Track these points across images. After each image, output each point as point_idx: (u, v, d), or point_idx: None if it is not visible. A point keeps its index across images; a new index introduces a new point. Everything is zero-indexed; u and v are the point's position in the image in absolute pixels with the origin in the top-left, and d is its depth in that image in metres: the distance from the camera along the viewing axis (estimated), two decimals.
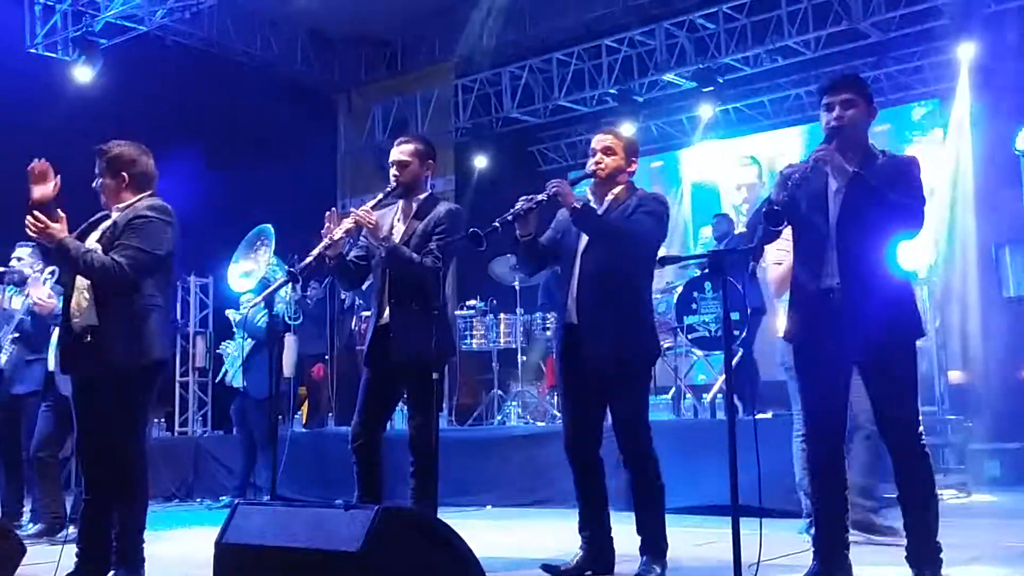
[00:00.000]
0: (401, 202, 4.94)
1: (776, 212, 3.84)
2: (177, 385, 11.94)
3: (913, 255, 4.52)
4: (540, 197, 4.42)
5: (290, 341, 9.28)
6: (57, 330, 6.03)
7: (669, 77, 12.57)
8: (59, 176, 4.35)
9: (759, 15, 11.54)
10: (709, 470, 6.33)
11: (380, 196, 4.86)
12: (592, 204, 4.61)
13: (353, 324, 10.01)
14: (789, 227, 4.05)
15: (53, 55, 11.73)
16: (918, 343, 4.07)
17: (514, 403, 9.41)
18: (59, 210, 4.29)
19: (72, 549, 4.48)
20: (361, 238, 4.91)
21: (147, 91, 11.03)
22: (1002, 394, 9.70)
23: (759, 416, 7.39)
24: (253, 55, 13.32)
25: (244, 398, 8.77)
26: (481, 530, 6.28)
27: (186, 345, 11.93)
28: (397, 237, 4.80)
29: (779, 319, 4.57)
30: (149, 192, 4.54)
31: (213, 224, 9.45)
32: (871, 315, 3.83)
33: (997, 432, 9.20)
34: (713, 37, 11.96)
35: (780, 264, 5.23)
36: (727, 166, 13.65)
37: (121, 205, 4.47)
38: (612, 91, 12.78)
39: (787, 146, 12.88)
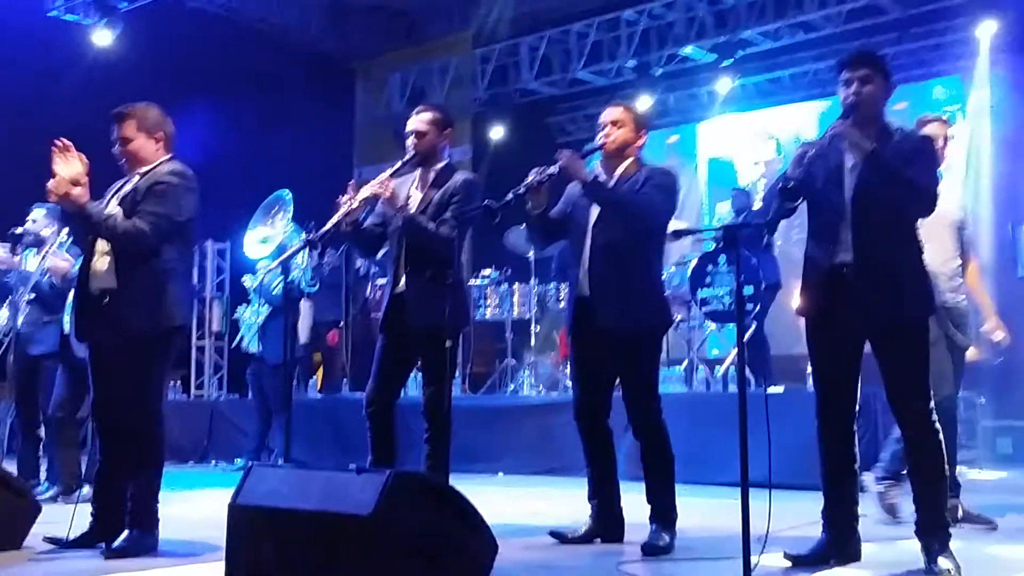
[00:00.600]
0: (419, 171, 4.94)
1: (792, 188, 3.85)
2: (193, 349, 12.02)
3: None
4: (551, 169, 4.44)
5: (305, 307, 9.34)
6: (73, 292, 6.08)
7: (688, 50, 12.50)
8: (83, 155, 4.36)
9: None
10: (720, 443, 6.36)
11: (398, 165, 4.87)
12: (601, 178, 4.62)
13: (368, 292, 10.06)
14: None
15: (73, 18, 11.75)
16: (931, 320, 4.08)
17: (527, 373, 9.44)
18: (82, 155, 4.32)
19: (87, 509, 4.55)
20: (378, 206, 4.93)
21: (166, 56, 11.06)
22: (1014, 372, 9.67)
23: (771, 390, 7.43)
24: (271, 22, 13.30)
25: (260, 363, 8.84)
26: (492, 497, 6.31)
27: (203, 310, 12.00)
28: (414, 206, 4.81)
29: (795, 295, 4.58)
30: (170, 156, 4.57)
31: (230, 190, 9.47)
32: (883, 291, 3.85)
33: (1008, 410, 9.20)
34: (733, 10, 11.88)
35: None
36: (745, 141, 13.58)
37: (143, 169, 4.49)
38: (630, 64, 12.72)
39: (805, 121, 12.81)
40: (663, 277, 4.76)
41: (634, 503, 4.60)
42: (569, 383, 8.76)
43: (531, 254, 9.50)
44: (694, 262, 8.44)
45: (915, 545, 3.88)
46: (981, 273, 5.89)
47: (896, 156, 3.88)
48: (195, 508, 6.03)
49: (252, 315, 9.05)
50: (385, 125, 14.52)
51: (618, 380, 4.61)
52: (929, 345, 3.99)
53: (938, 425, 3.92)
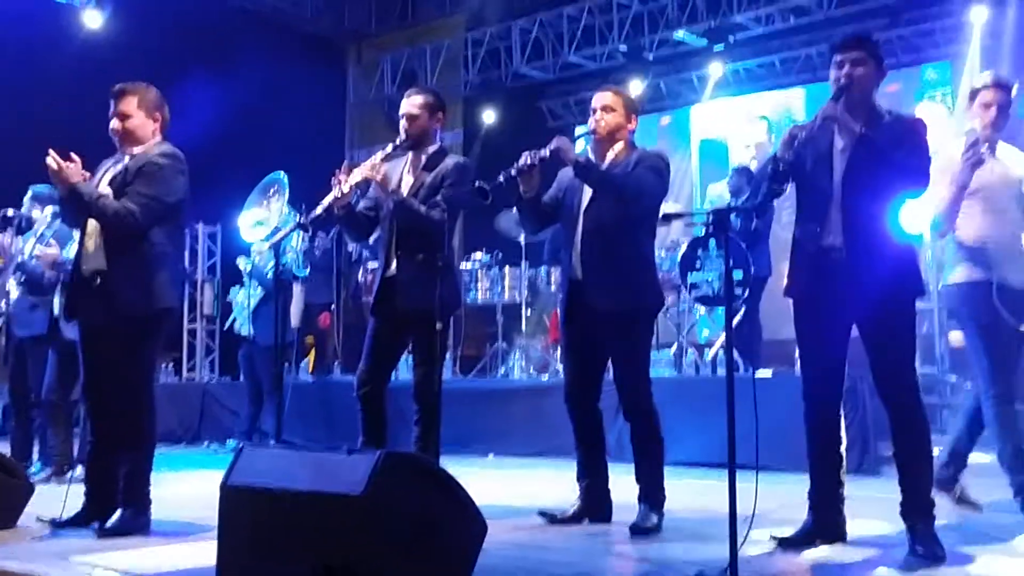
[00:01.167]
0: (410, 154, 4.96)
1: (779, 170, 3.88)
2: (185, 332, 12.03)
3: (919, 216, 4.47)
4: (543, 153, 4.45)
5: (297, 290, 9.35)
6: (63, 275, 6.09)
7: (680, 34, 12.51)
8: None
9: None
10: (709, 426, 6.38)
11: (389, 148, 4.89)
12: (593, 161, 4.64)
13: (360, 275, 10.07)
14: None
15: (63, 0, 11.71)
16: (919, 304, 4.12)
17: (517, 356, 9.47)
18: (72, 153, 4.33)
19: (79, 489, 4.58)
20: (370, 190, 4.94)
21: (156, 37, 11.03)
22: None
23: (759, 374, 7.47)
24: (264, 3, 13.27)
25: (252, 345, 8.86)
26: (482, 478, 6.36)
27: (194, 292, 12.00)
28: (405, 189, 4.83)
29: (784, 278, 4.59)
30: (161, 138, 4.58)
31: (221, 172, 9.47)
32: (872, 274, 3.88)
33: None
34: None
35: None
36: (737, 124, 13.59)
37: (135, 150, 4.50)
38: (622, 48, 12.72)
39: (796, 106, 12.85)
40: (655, 259, 4.78)
41: (623, 484, 4.64)
42: (559, 366, 8.81)
43: (522, 238, 9.52)
44: (684, 246, 8.46)
45: (900, 526, 3.92)
46: None
47: (886, 139, 3.91)
48: (187, 488, 6.06)
49: (245, 298, 9.06)
50: (377, 107, 14.54)
51: (609, 362, 4.64)
52: (915, 326, 4.04)
53: (924, 407, 3.96)
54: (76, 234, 4.70)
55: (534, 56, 13.45)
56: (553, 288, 9.28)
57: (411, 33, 14.54)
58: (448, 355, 9.01)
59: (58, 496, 4.54)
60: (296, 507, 3.07)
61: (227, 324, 9.50)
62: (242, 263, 9.09)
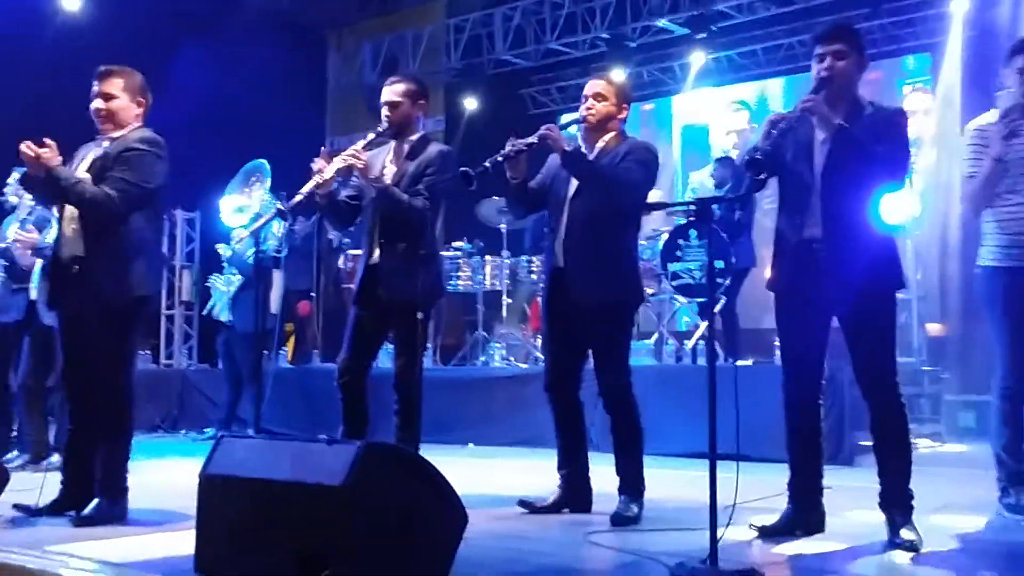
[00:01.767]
0: (393, 142, 4.93)
1: (758, 161, 3.87)
2: (163, 318, 11.96)
3: (899, 207, 4.43)
4: (530, 139, 4.44)
5: (277, 277, 9.31)
6: (40, 261, 6.04)
7: (662, 23, 12.48)
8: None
9: None
10: (689, 415, 6.39)
11: (371, 136, 4.85)
12: (583, 150, 4.63)
13: (340, 262, 10.03)
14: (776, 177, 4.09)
15: None
16: (898, 295, 4.12)
17: (498, 345, 9.47)
18: (47, 138, 4.28)
19: (56, 477, 4.55)
20: (352, 178, 4.91)
21: (135, 21, 10.90)
22: (978, 347, 9.79)
23: (739, 363, 7.48)
24: None
25: (231, 332, 8.82)
26: (462, 467, 6.33)
27: (172, 278, 11.92)
28: (388, 178, 4.80)
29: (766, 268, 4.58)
30: (142, 124, 4.54)
31: (201, 158, 9.40)
32: (852, 266, 3.88)
33: (972, 384, 9.31)
34: None
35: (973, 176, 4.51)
36: (718, 111, 13.64)
37: (114, 134, 4.46)
38: (604, 35, 12.69)
39: (777, 96, 12.89)
40: (637, 253, 4.77)
41: (603, 474, 4.64)
42: (539, 355, 8.81)
43: (503, 226, 9.51)
44: (665, 236, 8.47)
45: (879, 516, 3.94)
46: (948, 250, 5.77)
47: (866, 131, 3.91)
48: (165, 477, 6.04)
49: (224, 284, 9.01)
50: (357, 94, 14.45)
51: (590, 352, 4.63)
52: (895, 319, 4.05)
53: (904, 400, 3.98)
54: (55, 220, 4.65)
55: (516, 43, 13.39)
56: (534, 277, 9.27)
57: (392, 19, 14.46)
58: (428, 344, 9.00)
59: (34, 484, 4.50)
60: (275, 497, 3.05)
61: (206, 310, 9.45)
62: (222, 249, 9.04)
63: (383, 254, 4.74)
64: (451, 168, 4.68)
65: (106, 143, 4.47)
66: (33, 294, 6.30)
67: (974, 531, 4.33)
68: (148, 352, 11.26)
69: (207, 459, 3.34)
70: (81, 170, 4.42)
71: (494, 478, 6.16)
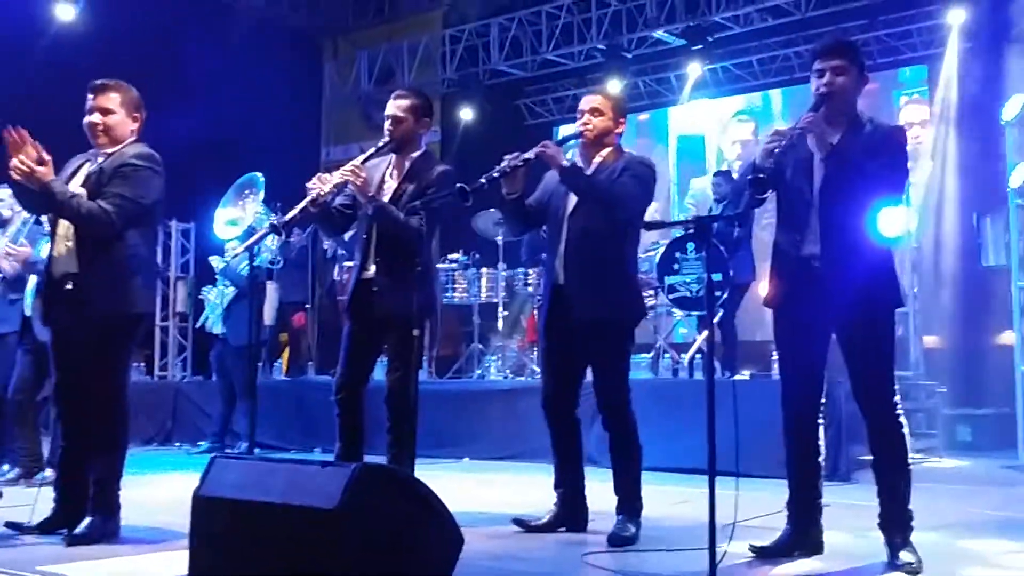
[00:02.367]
0: (393, 157, 4.87)
1: (760, 179, 3.85)
2: (157, 330, 11.91)
3: (895, 219, 4.42)
4: (527, 155, 4.41)
5: (271, 289, 9.28)
6: (34, 277, 6.00)
7: (658, 34, 12.49)
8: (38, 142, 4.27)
9: None
10: (686, 430, 6.37)
11: (371, 151, 4.80)
12: (580, 165, 4.60)
13: (335, 274, 9.99)
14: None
15: None
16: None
17: (494, 357, 9.44)
18: (44, 153, 4.23)
19: (49, 493, 4.50)
20: (348, 186, 4.86)
21: (130, 30, 10.88)
22: (975, 361, 9.80)
23: (737, 378, 7.45)
24: None
25: (224, 345, 8.78)
26: (457, 483, 6.33)
27: (166, 290, 11.88)
28: (387, 194, 4.76)
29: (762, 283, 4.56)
30: (136, 139, 4.50)
31: (195, 168, 9.37)
32: (851, 284, 3.86)
33: (969, 398, 9.31)
34: None
35: None
36: (717, 123, 13.66)
37: (109, 149, 4.42)
38: (601, 46, 12.69)
39: (774, 106, 12.92)
40: (637, 268, 4.74)
41: (600, 490, 4.61)
42: (535, 368, 8.78)
43: (499, 238, 9.49)
44: (662, 249, 8.45)
45: (878, 536, 3.91)
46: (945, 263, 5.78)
47: (864, 148, 3.88)
48: (158, 492, 5.99)
49: (217, 296, 8.97)
50: (353, 103, 14.44)
51: (589, 369, 4.59)
52: (893, 337, 4.02)
53: (903, 418, 3.95)
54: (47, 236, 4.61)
55: (512, 54, 13.39)
56: (530, 289, 9.24)
57: (388, 29, 14.45)
58: (423, 360, 8.97)
59: (26, 499, 4.46)
60: (269, 520, 3.02)
61: (199, 323, 9.41)
62: (215, 261, 9.01)
63: (378, 268, 4.71)
64: (450, 188, 4.63)
65: (101, 158, 4.42)
66: (27, 310, 6.25)
67: (976, 552, 4.30)
68: (142, 364, 11.21)
69: (201, 480, 3.31)
70: (75, 184, 4.37)
71: (489, 494, 6.13)
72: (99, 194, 4.29)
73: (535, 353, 9.19)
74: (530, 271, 9.28)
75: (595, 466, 4.85)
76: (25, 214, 6.05)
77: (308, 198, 4.62)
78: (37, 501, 4.38)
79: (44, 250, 5.16)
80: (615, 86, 12.17)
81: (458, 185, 4.37)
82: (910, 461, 3.98)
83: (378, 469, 3.14)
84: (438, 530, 3.15)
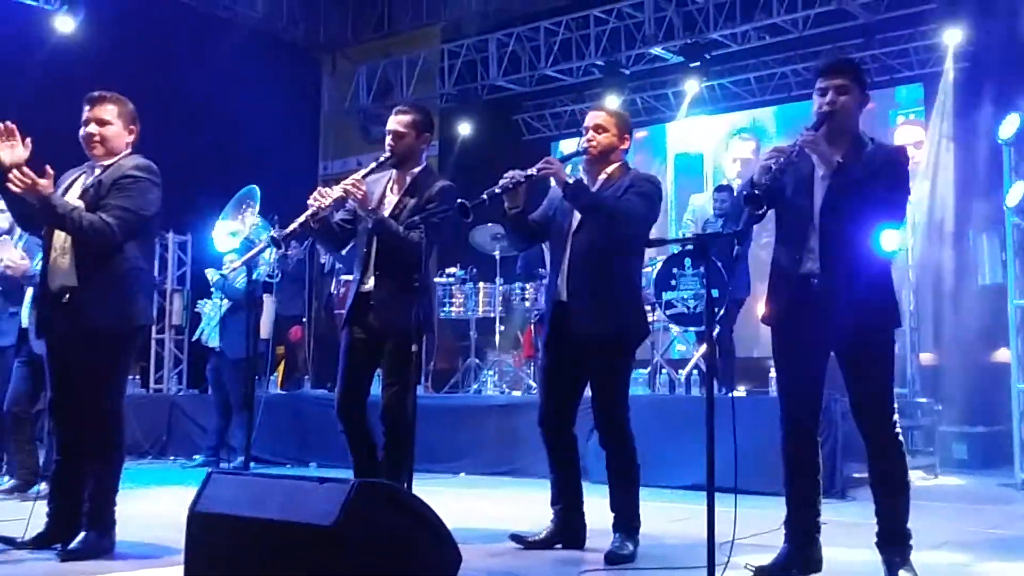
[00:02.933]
0: (394, 172, 4.87)
1: (756, 196, 3.84)
2: (153, 343, 11.88)
3: (891, 235, 4.42)
4: (530, 171, 4.40)
5: (268, 302, 9.26)
6: (31, 289, 5.98)
7: (656, 50, 12.53)
8: (28, 138, 4.25)
9: None
10: (684, 447, 6.35)
11: (373, 165, 4.79)
12: (585, 182, 4.59)
13: (332, 287, 9.99)
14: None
15: (34, 3, 11.56)
16: None
17: (490, 372, 9.42)
18: (47, 166, 4.22)
19: (43, 508, 4.47)
20: (348, 201, 4.86)
21: (129, 44, 10.89)
22: (972, 378, 9.78)
23: (735, 394, 7.44)
24: (238, 11, 13.18)
25: (220, 358, 8.75)
26: (454, 498, 6.30)
27: (163, 303, 11.86)
28: (388, 208, 4.75)
29: (760, 301, 4.56)
30: (131, 151, 4.49)
31: (193, 181, 9.38)
32: (850, 303, 3.85)
33: (966, 416, 9.29)
34: (702, 12, 11.94)
35: None
36: (712, 138, 13.69)
37: (106, 162, 4.41)
38: (599, 62, 12.72)
39: (768, 124, 12.97)
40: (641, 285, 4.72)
41: (598, 507, 4.59)
42: (532, 383, 8.77)
43: (497, 253, 9.48)
44: (659, 265, 8.45)
45: (876, 555, 3.90)
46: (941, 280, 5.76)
47: (866, 168, 3.88)
48: (153, 507, 5.96)
49: (213, 309, 8.96)
50: (351, 118, 14.46)
51: (587, 387, 4.58)
52: (893, 356, 4.01)
53: (901, 436, 3.94)
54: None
55: (511, 69, 13.42)
56: (527, 304, 9.23)
57: (387, 44, 14.47)
58: (421, 376, 8.96)
59: (23, 512, 4.43)
60: (266, 537, 3.00)
61: (195, 336, 9.39)
62: (210, 274, 8.99)
63: (377, 283, 4.69)
64: (451, 204, 4.63)
65: (98, 170, 4.41)
66: (24, 321, 6.23)
67: (973, 570, 4.29)
68: (137, 377, 11.18)
69: (196, 496, 3.29)
70: (72, 196, 4.36)
71: (486, 509, 6.11)
72: (98, 206, 4.27)
73: (532, 368, 9.18)
74: (527, 285, 9.28)
75: (592, 482, 4.83)
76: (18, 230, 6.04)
77: (308, 212, 4.61)
78: (32, 515, 4.35)
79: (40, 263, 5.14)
80: (613, 102, 12.21)
81: (459, 201, 4.36)
82: (909, 479, 3.96)
83: (376, 486, 3.13)
84: (436, 547, 3.13)
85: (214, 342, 8.86)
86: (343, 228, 4.89)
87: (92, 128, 4.42)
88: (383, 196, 4.81)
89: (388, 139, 4.82)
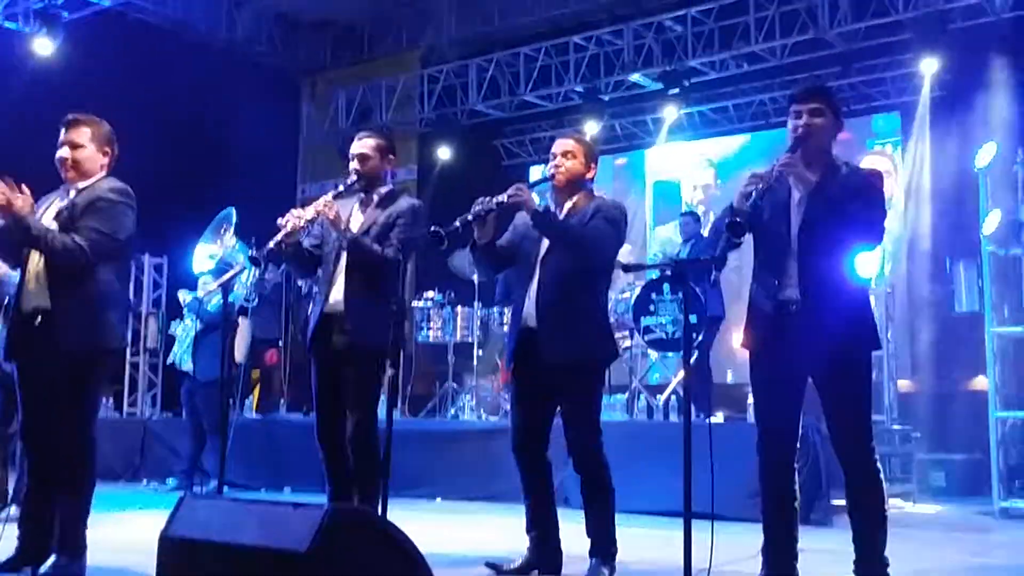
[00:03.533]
0: (361, 194, 4.94)
1: (739, 224, 3.84)
2: (128, 365, 11.79)
3: (869, 263, 4.41)
4: (499, 198, 4.41)
5: (244, 325, 9.20)
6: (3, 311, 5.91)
7: (635, 77, 12.60)
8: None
9: (727, 20, 11.66)
10: (661, 473, 6.33)
11: (341, 188, 4.85)
12: (552, 209, 4.60)
13: (309, 311, 9.93)
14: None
15: (13, 26, 11.52)
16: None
17: (468, 397, 9.38)
18: (23, 185, 4.19)
19: (13, 531, 4.41)
20: (316, 226, 4.87)
21: (108, 67, 10.85)
22: (949, 405, 9.83)
23: (712, 420, 7.43)
24: (217, 35, 13.18)
25: (192, 381, 8.69)
26: (429, 524, 6.26)
27: (138, 325, 11.77)
28: (355, 227, 4.78)
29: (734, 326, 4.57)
30: (106, 174, 4.46)
31: (170, 204, 9.33)
32: (829, 328, 3.85)
33: (943, 443, 9.32)
34: (680, 40, 12.02)
35: None
36: (690, 166, 13.76)
37: (81, 184, 4.38)
38: (578, 89, 12.78)
39: (744, 151, 13.06)
40: (609, 309, 4.72)
41: (574, 532, 4.56)
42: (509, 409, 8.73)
43: (475, 277, 9.46)
44: (637, 290, 8.45)
45: None
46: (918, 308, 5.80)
47: (842, 191, 3.90)
48: (125, 531, 5.89)
49: (184, 331, 8.90)
50: (330, 142, 14.44)
51: (559, 412, 4.56)
52: (871, 381, 4.01)
53: (879, 465, 3.93)
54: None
55: (490, 94, 13.45)
56: (506, 328, 9.20)
57: (366, 68, 14.49)
58: (397, 398, 8.91)
59: None
60: (238, 562, 2.95)
61: (170, 359, 9.32)
62: (182, 296, 8.94)
63: (346, 301, 4.68)
64: (421, 222, 4.70)
65: (73, 192, 4.38)
66: None
67: None
68: (110, 400, 11.08)
69: (168, 519, 3.23)
70: (47, 219, 4.33)
71: (462, 535, 6.07)
72: (72, 228, 4.24)
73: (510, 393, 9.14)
74: (505, 310, 9.25)
75: (569, 508, 4.80)
76: None
77: (284, 231, 4.62)
78: (1, 539, 4.29)
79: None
80: (592, 128, 12.25)
81: (432, 228, 4.36)
82: (887, 507, 3.96)
83: (350, 511, 3.10)
84: (410, 574, 3.09)
85: (187, 365, 8.80)
86: (312, 253, 4.92)
87: (65, 152, 4.40)
88: (350, 217, 4.84)
89: (354, 163, 4.89)
